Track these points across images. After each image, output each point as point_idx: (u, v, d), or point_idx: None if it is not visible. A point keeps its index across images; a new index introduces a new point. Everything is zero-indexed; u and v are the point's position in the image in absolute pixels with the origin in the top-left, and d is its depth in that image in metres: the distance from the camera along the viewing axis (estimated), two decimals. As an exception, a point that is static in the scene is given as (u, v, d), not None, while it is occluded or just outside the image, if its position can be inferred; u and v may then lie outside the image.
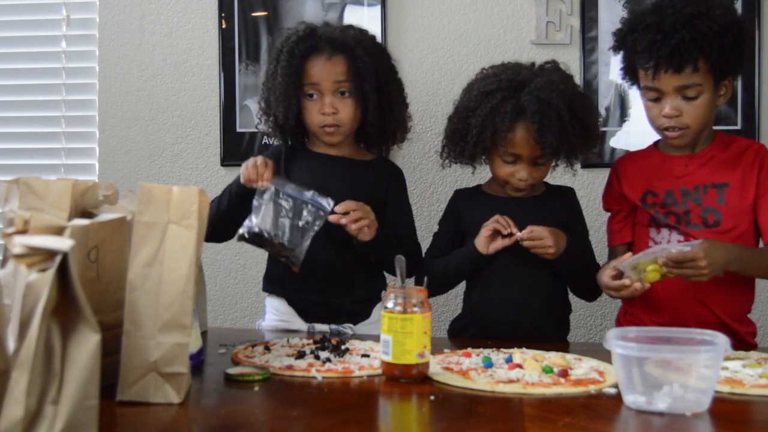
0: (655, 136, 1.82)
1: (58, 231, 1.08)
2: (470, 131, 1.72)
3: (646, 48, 1.64)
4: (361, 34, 1.88)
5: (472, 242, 1.76)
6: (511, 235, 1.70)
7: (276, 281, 1.90)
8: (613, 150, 2.32)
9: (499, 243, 1.71)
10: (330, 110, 1.83)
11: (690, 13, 1.61)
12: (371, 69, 1.83)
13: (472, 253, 1.74)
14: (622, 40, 1.72)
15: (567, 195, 1.87)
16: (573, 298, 1.86)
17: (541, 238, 1.67)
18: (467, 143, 1.74)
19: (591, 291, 1.81)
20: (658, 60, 1.62)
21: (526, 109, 1.65)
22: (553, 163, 1.81)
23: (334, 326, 1.82)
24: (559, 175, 1.93)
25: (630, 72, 1.77)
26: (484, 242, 1.73)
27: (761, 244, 1.74)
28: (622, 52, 1.76)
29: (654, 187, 1.77)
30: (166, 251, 1.15)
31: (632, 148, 2.09)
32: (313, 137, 1.92)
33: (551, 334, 1.74)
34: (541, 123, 1.64)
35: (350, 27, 1.89)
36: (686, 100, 1.66)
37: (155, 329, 1.14)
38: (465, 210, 1.85)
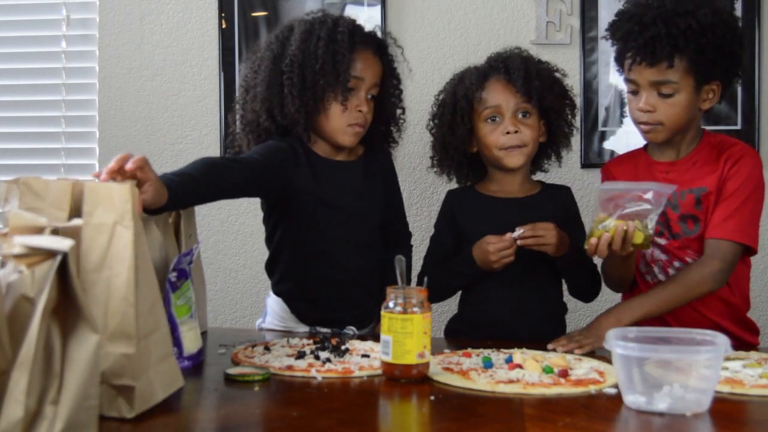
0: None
1: (39, 231, 1.03)
2: (444, 119, 1.79)
3: (623, 37, 1.64)
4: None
5: (470, 255, 1.72)
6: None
7: (287, 289, 1.82)
8: (612, 152, 2.32)
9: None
10: (366, 108, 1.72)
11: (674, 10, 1.59)
12: (397, 75, 1.82)
13: (474, 268, 1.72)
14: (610, 28, 1.72)
15: (563, 193, 1.86)
16: (568, 298, 1.86)
17: (543, 234, 1.64)
18: (450, 129, 1.78)
19: (588, 291, 1.82)
20: (632, 51, 1.62)
21: (491, 70, 1.77)
22: (549, 155, 1.82)
23: (336, 329, 1.80)
24: (561, 176, 1.93)
25: (619, 62, 1.75)
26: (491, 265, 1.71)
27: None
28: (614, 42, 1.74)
29: None
30: (113, 255, 1.08)
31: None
32: (317, 139, 1.76)
33: (548, 335, 1.74)
34: (507, 72, 1.74)
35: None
36: (662, 96, 1.64)
37: (104, 338, 1.05)
38: (459, 211, 1.84)
